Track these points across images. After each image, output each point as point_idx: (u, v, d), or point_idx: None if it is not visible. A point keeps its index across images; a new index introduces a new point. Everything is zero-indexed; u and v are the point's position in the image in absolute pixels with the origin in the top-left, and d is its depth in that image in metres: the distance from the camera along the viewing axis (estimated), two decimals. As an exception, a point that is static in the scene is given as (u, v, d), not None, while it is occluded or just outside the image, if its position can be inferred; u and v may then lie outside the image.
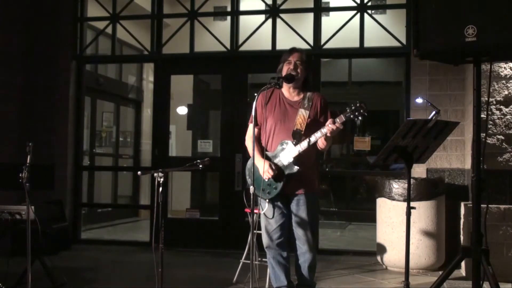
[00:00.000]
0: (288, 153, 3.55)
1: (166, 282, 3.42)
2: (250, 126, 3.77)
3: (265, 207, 3.65)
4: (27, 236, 3.64)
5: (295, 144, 3.53)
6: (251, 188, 3.31)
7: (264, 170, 3.52)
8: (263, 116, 3.67)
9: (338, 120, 3.38)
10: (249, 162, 3.70)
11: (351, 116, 3.35)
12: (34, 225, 3.76)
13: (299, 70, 3.63)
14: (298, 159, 3.53)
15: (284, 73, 3.62)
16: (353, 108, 3.35)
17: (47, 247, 4.48)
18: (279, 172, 3.55)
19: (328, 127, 3.38)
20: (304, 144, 3.49)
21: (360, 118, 3.35)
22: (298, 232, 3.65)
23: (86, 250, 6.29)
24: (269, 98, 3.68)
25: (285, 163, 3.56)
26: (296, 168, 3.53)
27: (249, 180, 3.59)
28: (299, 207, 3.62)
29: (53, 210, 6.14)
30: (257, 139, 3.71)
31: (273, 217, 3.64)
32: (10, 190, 4.59)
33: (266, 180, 3.57)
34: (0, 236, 4.54)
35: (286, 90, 3.71)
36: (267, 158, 3.57)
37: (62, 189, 6.49)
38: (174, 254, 5.89)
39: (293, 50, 3.71)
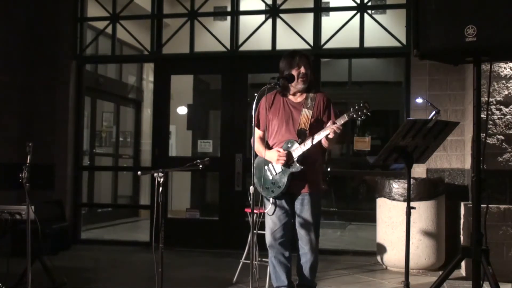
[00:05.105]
0: (293, 152, 3.57)
1: (166, 282, 3.42)
2: (256, 129, 3.76)
3: (269, 206, 3.66)
4: (27, 236, 3.64)
5: (300, 143, 3.55)
6: (251, 188, 3.30)
7: (277, 157, 3.54)
8: (268, 118, 3.69)
9: (337, 122, 3.38)
10: (255, 161, 3.62)
11: (354, 116, 3.35)
12: (34, 225, 3.76)
13: (308, 77, 3.64)
14: (302, 158, 3.55)
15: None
16: (356, 107, 3.36)
17: (47, 247, 4.48)
18: (289, 156, 3.55)
19: (330, 128, 3.38)
20: (308, 143, 3.50)
21: (363, 117, 3.35)
22: (301, 232, 3.65)
23: (86, 250, 6.29)
24: (272, 101, 3.70)
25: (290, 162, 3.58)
26: (300, 167, 3.54)
27: (255, 179, 3.46)
28: (303, 207, 3.63)
29: (53, 210, 6.12)
30: (263, 140, 3.73)
31: (276, 216, 3.64)
32: (10, 190, 4.60)
33: (281, 166, 3.57)
34: (0, 236, 4.53)
35: (290, 93, 3.71)
36: None
37: (62, 189, 6.48)
38: (174, 254, 5.88)
39: (301, 55, 3.64)
